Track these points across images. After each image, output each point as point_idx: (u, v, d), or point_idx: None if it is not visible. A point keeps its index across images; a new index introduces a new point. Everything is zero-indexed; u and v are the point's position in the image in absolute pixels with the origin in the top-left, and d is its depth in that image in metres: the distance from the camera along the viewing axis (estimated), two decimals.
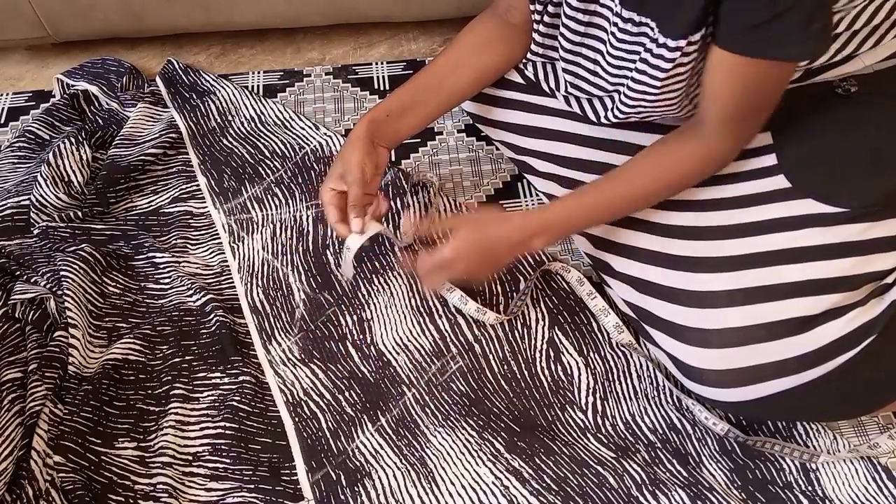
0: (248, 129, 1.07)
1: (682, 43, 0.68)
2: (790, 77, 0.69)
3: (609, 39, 0.75)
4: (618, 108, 0.80)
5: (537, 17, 0.81)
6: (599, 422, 0.83)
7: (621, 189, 0.78)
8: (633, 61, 0.74)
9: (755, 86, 0.67)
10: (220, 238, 0.97)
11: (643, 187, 0.78)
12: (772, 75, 0.66)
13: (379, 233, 0.83)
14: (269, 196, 1.00)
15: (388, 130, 0.84)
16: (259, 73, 1.16)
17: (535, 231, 0.77)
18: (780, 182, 0.77)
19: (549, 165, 0.94)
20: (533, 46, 0.86)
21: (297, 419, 0.82)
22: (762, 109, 0.71)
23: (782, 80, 0.68)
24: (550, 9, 0.80)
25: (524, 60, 0.90)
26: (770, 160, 0.79)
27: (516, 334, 0.89)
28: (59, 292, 0.85)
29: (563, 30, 0.79)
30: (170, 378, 0.84)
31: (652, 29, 0.69)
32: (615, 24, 0.73)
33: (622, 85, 0.78)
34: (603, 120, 0.84)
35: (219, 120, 1.08)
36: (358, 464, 0.80)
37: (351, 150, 0.81)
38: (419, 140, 1.06)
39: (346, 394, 0.84)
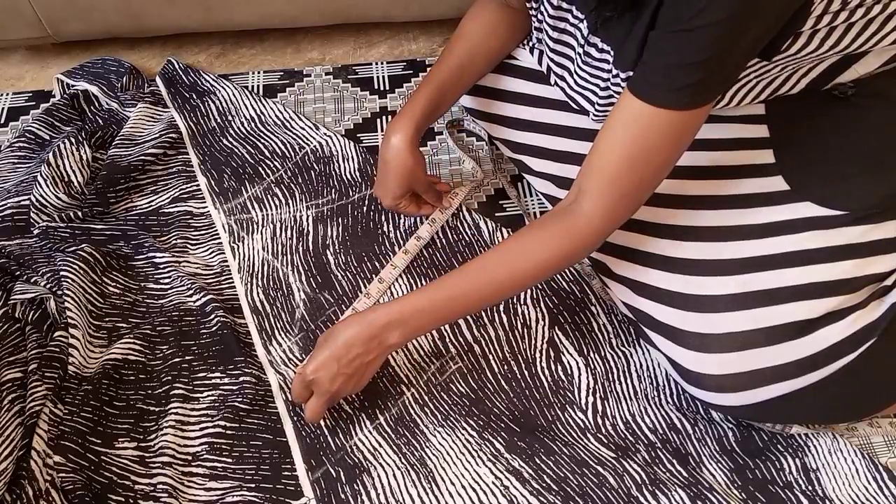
0: (248, 129, 1.07)
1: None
2: (678, 144, 0.66)
3: (576, 59, 0.77)
4: (594, 114, 0.82)
5: (533, 11, 0.82)
6: (599, 422, 0.83)
7: (473, 280, 0.74)
8: (603, 79, 0.75)
9: (644, 140, 0.64)
10: (220, 238, 0.97)
11: (495, 279, 0.74)
12: (661, 129, 0.63)
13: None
14: (269, 196, 1.00)
15: (423, 129, 0.90)
16: (259, 73, 1.16)
17: (385, 323, 0.73)
18: (778, 184, 0.77)
19: (545, 164, 0.94)
20: (532, 41, 0.88)
21: (296, 419, 0.82)
22: (644, 182, 0.68)
23: (671, 140, 0.65)
24: (539, 17, 0.81)
25: (525, 43, 0.91)
26: (768, 157, 0.79)
27: (516, 334, 0.89)
28: (59, 292, 0.85)
29: (545, 28, 0.80)
30: (170, 378, 0.84)
31: (612, 57, 0.70)
32: (582, 46, 0.74)
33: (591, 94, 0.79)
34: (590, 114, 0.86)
35: (219, 120, 1.08)
36: (357, 460, 0.80)
37: (411, 162, 0.89)
38: (420, 140, 1.06)
39: None
